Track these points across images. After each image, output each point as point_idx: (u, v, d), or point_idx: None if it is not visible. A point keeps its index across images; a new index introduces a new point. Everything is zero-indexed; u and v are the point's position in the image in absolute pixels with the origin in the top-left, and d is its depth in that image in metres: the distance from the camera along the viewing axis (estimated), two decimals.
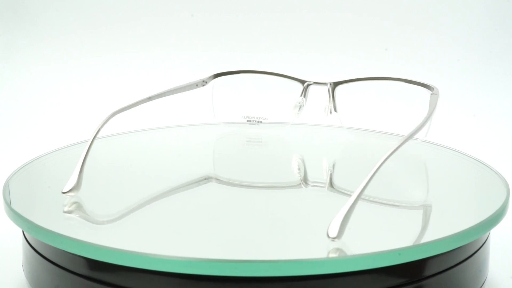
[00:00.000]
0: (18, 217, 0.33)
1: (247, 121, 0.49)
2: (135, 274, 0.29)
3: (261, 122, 0.49)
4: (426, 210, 0.36)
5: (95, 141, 0.39)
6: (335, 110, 0.46)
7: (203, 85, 0.48)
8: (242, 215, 0.35)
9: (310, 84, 0.47)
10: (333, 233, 0.30)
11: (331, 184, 0.39)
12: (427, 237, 0.32)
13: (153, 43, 0.75)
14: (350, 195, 0.31)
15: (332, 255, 0.29)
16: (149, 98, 0.45)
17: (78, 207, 0.35)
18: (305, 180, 0.40)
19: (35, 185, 0.40)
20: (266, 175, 0.42)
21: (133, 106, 0.44)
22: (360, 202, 0.37)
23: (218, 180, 0.41)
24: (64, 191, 0.36)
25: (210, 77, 0.49)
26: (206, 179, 0.41)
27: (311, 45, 0.74)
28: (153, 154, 0.47)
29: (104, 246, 0.29)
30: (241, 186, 0.40)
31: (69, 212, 0.35)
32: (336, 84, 0.46)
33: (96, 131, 0.39)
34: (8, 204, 0.34)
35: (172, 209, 0.36)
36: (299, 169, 0.43)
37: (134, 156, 0.46)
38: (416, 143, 0.45)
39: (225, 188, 0.40)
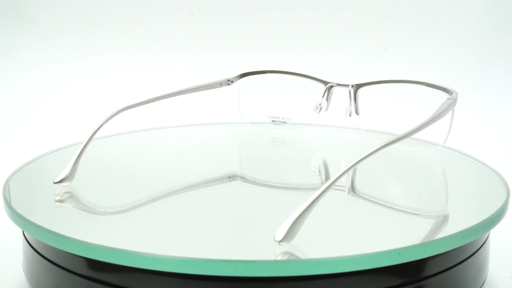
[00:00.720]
0: (18, 217, 0.33)
1: (272, 121, 0.49)
2: (135, 274, 0.29)
3: (285, 122, 0.49)
4: (426, 210, 0.36)
5: (104, 141, 0.39)
6: (357, 113, 0.45)
7: (228, 84, 0.48)
8: (252, 214, 0.35)
9: (333, 86, 0.46)
10: (279, 236, 0.29)
11: (352, 188, 0.39)
12: (427, 237, 0.32)
13: (153, 43, 0.75)
14: (369, 200, 0.31)
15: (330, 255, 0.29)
16: (169, 95, 0.45)
17: (71, 196, 0.35)
18: (348, 188, 0.40)
19: (35, 185, 0.40)
20: (287, 176, 0.42)
21: (147, 103, 0.44)
22: (360, 202, 0.37)
23: (243, 178, 0.41)
24: (55, 181, 0.37)
25: (236, 77, 0.49)
26: (231, 177, 0.41)
27: (311, 45, 0.74)
28: (173, 152, 0.47)
29: (104, 246, 0.29)
30: (261, 185, 0.40)
31: (60, 201, 0.35)
32: (358, 86, 0.45)
33: (101, 124, 0.40)
34: (8, 204, 0.34)
35: (175, 209, 0.36)
36: (319, 171, 0.42)
37: (148, 154, 0.46)
38: (417, 143, 0.45)
39: (246, 187, 0.40)
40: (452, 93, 0.42)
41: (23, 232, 0.35)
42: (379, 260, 0.28)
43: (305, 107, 0.47)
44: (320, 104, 0.46)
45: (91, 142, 0.40)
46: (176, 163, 0.45)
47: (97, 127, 0.40)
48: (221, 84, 0.48)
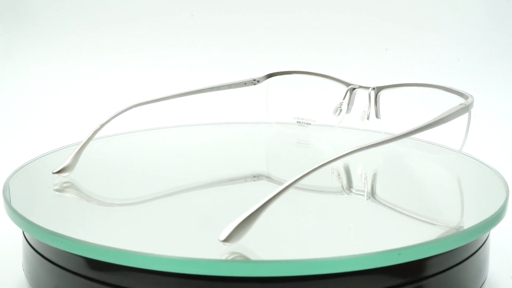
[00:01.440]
0: (18, 217, 0.33)
1: (297, 122, 0.49)
2: (135, 274, 0.29)
3: (309, 124, 0.48)
4: (426, 210, 0.36)
5: (124, 137, 0.38)
6: (378, 116, 0.44)
7: (254, 84, 0.47)
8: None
9: (355, 88, 0.45)
10: (223, 236, 0.29)
11: (371, 193, 0.38)
12: (427, 237, 0.32)
13: (153, 43, 0.75)
14: (387, 206, 0.31)
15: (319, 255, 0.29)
16: (189, 93, 0.45)
17: (70, 186, 0.35)
18: (344, 187, 0.40)
19: (35, 185, 0.40)
20: (309, 177, 0.41)
21: (163, 100, 0.44)
22: (360, 202, 0.37)
23: (268, 178, 0.41)
24: (54, 171, 0.37)
25: (263, 77, 0.48)
26: (256, 176, 0.41)
27: (311, 45, 0.74)
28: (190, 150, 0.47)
29: (104, 246, 0.29)
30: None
31: (59, 190, 0.35)
32: (379, 88, 0.44)
33: (111, 117, 0.40)
34: (8, 204, 0.34)
35: (179, 209, 0.36)
36: (339, 175, 0.41)
37: (166, 152, 0.47)
38: (417, 143, 0.45)
39: (271, 187, 0.39)
40: (467, 97, 0.41)
41: (23, 232, 0.35)
42: (379, 260, 0.28)
43: (328, 109, 0.47)
44: (340, 106, 0.45)
45: (95, 142, 0.40)
46: (196, 161, 0.45)
47: (107, 120, 0.41)
48: (245, 83, 0.47)
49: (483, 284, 0.35)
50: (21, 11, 0.74)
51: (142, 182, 0.40)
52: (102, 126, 0.41)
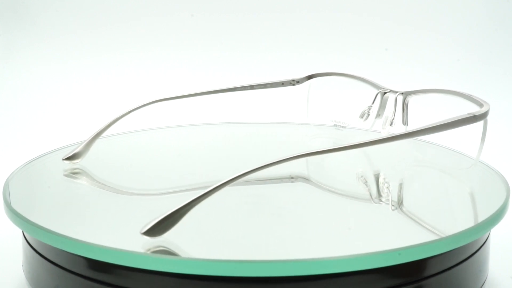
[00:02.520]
0: (18, 217, 0.33)
1: (334, 125, 0.47)
2: (135, 274, 0.29)
3: (344, 127, 0.47)
4: (426, 210, 0.36)
5: (143, 134, 0.38)
6: (405, 123, 0.42)
7: (292, 84, 0.46)
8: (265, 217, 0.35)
9: (387, 92, 0.43)
10: (143, 229, 0.29)
11: (398, 204, 0.38)
12: (427, 237, 0.32)
13: (153, 43, 0.75)
14: (411, 218, 0.31)
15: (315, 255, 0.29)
16: (220, 91, 0.45)
17: (70, 186, 0.35)
18: (372, 195, 0.38)
19: (35, 185, 0.40)
20: (336, 182, 0.41)
21: (187, 97, 0.43)
22: (360, 202, 0.37)
23: (307, 180, 0.40)
24: (64, 157, 0.37)
25: (304, 78, 0.47)
26: (293, 178, 0.40)
27: (311, 45, 0.74)
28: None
29: (104, 246, 0.29)
30: (323, 189, 0.40)
31: (69, 176, 0.35)
32: (408, 94, 0.42)
33: (131, 110, 0.40)
34: (8, 204, 0.34)
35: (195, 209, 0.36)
36: (366, 182, 0.40)
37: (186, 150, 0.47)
38: (418, 143, 0.45)
39: (311, 189, 0.40)
40: (482, 105, 0.39)
41: (23, 232, 0.35)
42: (379, 260, 0.28)
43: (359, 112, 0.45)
44: (368, 111, 0.43)
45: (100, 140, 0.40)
46: (230, 158, 0.45)
47: (125, 113, 0.41)
48: (283, 83, 0.46)
49: (483, 284, 0.35)
50: (21, 11, 0.74)
51: (148, 181, 0.40)
52: (119, 118, 0.41)
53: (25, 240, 0.35)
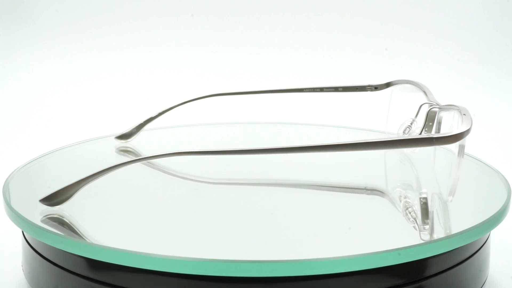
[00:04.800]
0: (18, 217, 0.33)
1: (403, 133, 0.42)
2: (135, 274, 0.29)
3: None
4: (427, 210, 0.36)
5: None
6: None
7: (370, 90, 0.43)
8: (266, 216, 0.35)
9: (434, 107, 0.38)
10: (42, 197, 0.33)
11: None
12: (427, 237, 0.32)
13: (153, 43, 0.75)
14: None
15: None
16: (290, 90, 0.44)
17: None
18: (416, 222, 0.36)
19: (35, 185, 0.40)
20: (313, 175, 0.41)
21: (255, 93, 0.43)
22: (360, 202, 0.37)
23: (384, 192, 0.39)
24: (116, 136, 0.41)
25: (383, 84, 0.44)
26: (370, 190, 0.39)
27: (310, 46, 0.74)
28: None
29: (104, 246, 0.29)
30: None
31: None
32: (442, 109, 0.37)
33: (187, 101, 0.40)
34: (8, 204, 0.34)
35: (181, 209, 0.36)
36: (407, 209, 0.36)
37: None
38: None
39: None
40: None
41: (23, 232, 0.35)
42: (379, 260, 0.28)
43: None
44: (410, 125, 0.39)
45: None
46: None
47: (180, 103, 0.41)
48: (357, 88, 0.44)
49: (483, 284, 0.35)
50: (21, 11, 0.74)
51: (149, 182, 0.40)
52: (173, 107, 0.41)
53: (25, 240, 0.35)
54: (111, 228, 0.33)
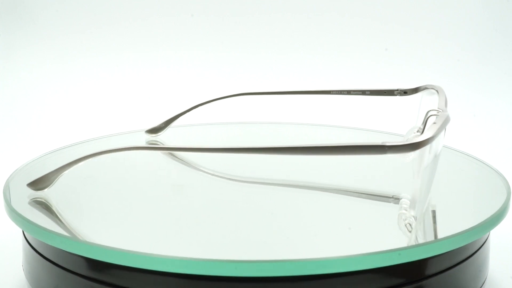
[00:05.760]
0: (18, 217, 0.33)
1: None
2: (135, 274, 0.29)
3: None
4: (427, 210, 0.36)
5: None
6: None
7: (399, 95, 0.42)
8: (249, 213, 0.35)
9: (432, 114, 0.35)
10: (29, 181, 0.35)
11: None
12: (427, 237, 0.32)
13: (153, 43, 0.75)
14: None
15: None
16: (317, 92, 0.44)
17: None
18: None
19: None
20: (313, 176, 0.41)
21: (282, 94, 0.43)
22: (360, 202, 0.37)
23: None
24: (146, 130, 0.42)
25: (412, 89, 0.42)
26: (394, 197, 0.37)
27: (310, 46, 0.74)
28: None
29: (104, 246, 0.29)
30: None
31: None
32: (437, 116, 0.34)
33: (215, 98, 0.40)
34: (8, 204, 0.34)
35: (181, 209, 0.36)
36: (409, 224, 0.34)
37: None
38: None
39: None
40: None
41: (23, 232, 0.35)
42: (379, 260, 0.28)
43: None
44: (417, 132, 0.38)
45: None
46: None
47: (211, 100, 0.41)
48: (385, 92, 0.43)
49: (483, 284, 0.35)
50: (21, 11, 0.74)
51: (146, 185, 0.40)
52: (204, 103, 0.42)
53: (25, 240, 0.35)
54: (110, 227, 0.33)
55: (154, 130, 0.48)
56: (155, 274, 0.29)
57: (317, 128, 0.52)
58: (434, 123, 0.31)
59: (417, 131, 0.38)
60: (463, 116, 0.68)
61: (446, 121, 0.32)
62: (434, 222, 0.34)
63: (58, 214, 0.35)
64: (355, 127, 0.52)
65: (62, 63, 0.73)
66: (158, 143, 0.47)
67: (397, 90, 0.43)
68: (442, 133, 0.32)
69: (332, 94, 0.44)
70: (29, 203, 0.35)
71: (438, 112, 0.35)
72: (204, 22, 0.75)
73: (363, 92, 0.43)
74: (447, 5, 0.73)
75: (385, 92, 0.43)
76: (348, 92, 0.44)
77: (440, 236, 0.31)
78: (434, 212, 0.35)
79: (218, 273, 0.28)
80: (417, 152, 0.30)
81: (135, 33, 0.75)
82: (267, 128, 0.53)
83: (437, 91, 0.39)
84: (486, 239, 0.35)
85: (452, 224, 0.33)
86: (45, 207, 0.36)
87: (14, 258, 0.39)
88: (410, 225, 0.32)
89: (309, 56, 0.73)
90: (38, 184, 0.36)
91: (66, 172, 0.36)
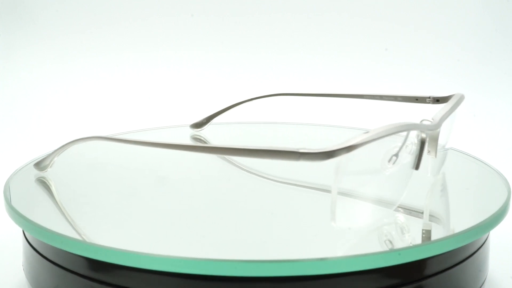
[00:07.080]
0: (18, 217, 0.33)
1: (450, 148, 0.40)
2: (135, 274, 0.29)
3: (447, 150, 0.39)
4: (427, 210, 0.36)
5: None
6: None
7: (431, 102, 0.41)
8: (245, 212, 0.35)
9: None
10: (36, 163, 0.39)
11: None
12: (427, 237, 0.32)
13: (153, 43, 0.75)
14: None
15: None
16: (349, 96, 0.44)
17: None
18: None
19: (35, 185, 0.40)
20: (318, 177, 0.40)
21: (318, 96, 0.44)
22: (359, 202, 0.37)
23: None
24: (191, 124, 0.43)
25: (445, 97, 0.41)
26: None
27: (310, 45, 0.74)
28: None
29: (104, 246, 0.29)
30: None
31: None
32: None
33: (252, 98, 0.40)
34: (8, 204, 0.34)
35: (181, 209, 0.36)
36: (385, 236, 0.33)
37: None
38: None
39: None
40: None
41: (23, 232, 0.35)
42: (379, 260, 0.28)
43: None
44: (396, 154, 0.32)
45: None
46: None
47: (247, 99, 0.43)
48: (417, 99, 0.41)
49: (483, 284, 0.35)
50: (21, 11, 0.74)
51: (142, 183, 0.40)
52: (241, 102, 0.44)
53: (25, 240, 0.35)
54: (110, 227, 0.33)
55: (197, 125, 0.50)
56: (155, 274, 0.29)
57: (317, 128, 0.52)
58: (367, 132, 0.29)
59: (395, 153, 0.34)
60: (463, 116, 0.68)
61: (389, 132, 0.29)
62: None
63: (58, 214, 0.35)
64: (356, 127, 0.51)
65: (62, 63, 0.73)
66: (201, 138, 0.49)
67: (429, 97, 0.41)
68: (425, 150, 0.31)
69: (365, 98, 0.44)
70: (30, 201, 0.35)
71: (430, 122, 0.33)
72: (204, 22, 0.75)
73: (395, 98, 0.43)
74: (447, 5, 0.73)
75: (417, 99, 0.42)
76: (381, 97, 0.43)
77: (438, 237, 0.31)
78: (429, 232, 0.33)
79: (218, 273, 0.28)
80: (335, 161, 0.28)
81: (135, 33, 0.75)
82: (267, 128, 0.53)
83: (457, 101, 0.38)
84: (486, 239, 0.35)
85: (452, 224, 0.33)
86: (45, 206, 0.36)
87: (14, 258, 0.39)
88: (390, 242, 0.31)
89: (310, 56, 0.73)
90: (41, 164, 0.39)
91: (68, 170, 0.36)
